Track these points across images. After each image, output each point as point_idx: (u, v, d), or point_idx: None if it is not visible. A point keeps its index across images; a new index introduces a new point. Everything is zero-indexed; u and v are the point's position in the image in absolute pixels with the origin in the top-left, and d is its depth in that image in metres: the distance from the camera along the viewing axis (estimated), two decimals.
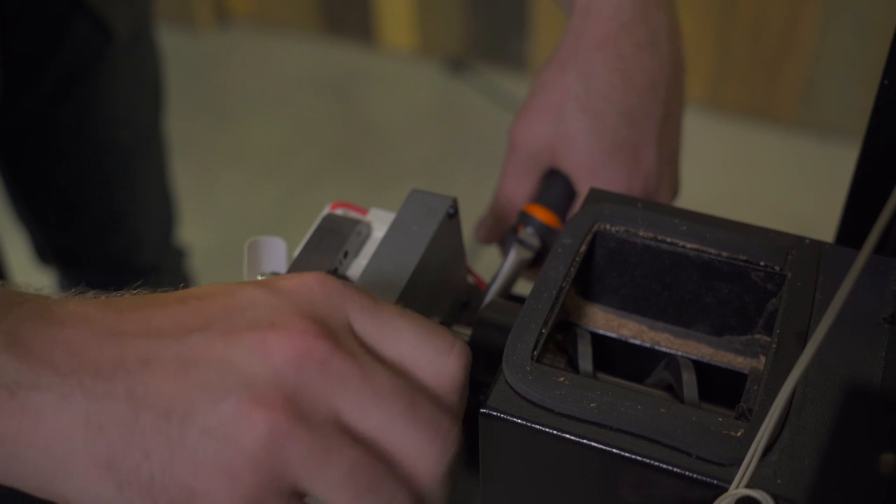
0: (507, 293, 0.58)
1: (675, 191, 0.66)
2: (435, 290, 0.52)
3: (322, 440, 0.35)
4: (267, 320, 0.36)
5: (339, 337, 0.36)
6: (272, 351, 0.35)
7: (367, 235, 0.53)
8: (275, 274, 0.50)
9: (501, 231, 0.66)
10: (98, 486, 0.34)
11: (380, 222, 0.53)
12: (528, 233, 0.60)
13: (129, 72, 1.06)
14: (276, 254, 0.51)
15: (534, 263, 0.61)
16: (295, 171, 2.17)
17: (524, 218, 0.61)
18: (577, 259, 0.47)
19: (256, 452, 0.34)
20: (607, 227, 0.49)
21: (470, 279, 0.58)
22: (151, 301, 0.37)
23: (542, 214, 0.61)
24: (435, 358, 0.38)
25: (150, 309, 0.36)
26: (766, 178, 2.11)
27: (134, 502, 0.34)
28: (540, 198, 0.62)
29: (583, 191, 0.62)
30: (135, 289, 0.39)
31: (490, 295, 0.57)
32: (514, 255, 0.59)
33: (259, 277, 0.50)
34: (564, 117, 0.61)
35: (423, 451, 0.36)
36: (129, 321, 0.36)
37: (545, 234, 0.60)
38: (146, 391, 0.34)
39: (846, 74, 2.07)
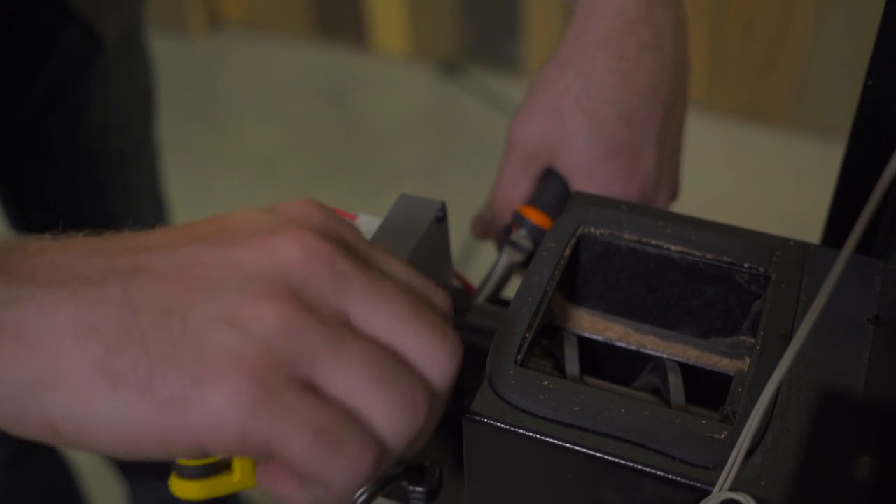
0: (497, 296, 0.58)
1: (674, 193, 0.65)
2: None
3: (335, 331, 0.34)
4: (268, 228, 0.35)
5: (341, 244, 0.36)
6: (277, 248, 0.34)
7: None
8: None
9: (497, 228, 0.66)
10: (89, 390, 0.32)
11: (368, 227, 0.53)
12: (521, 235, 0.60)
13: (121, 79, 1.05)
14: None
15: (526, 265, 0.60)
16: (288, 176, 2.17)
17: (518, 219, 0.61)
18: (562, 262, 0.47)
19: (268, 339, 0.32)
20: (592, 230, 0.49)
21: (457, 283, 0.58)
22: (137, 232, 0.36)
23: (535, 217, 0.60)
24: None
25: (138, 233, 0.35)
26: (760, 178, 2.11)
27: (129, 401, 0.32)
28: (535, 199, 0.62)
29: None
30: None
31: (479, 299, 0.57)
32: (504, 259, 0.59)
33: None
34: (563, 118, 0.60)
35: (434, 351, 0.36)
36: (115, 241, 0.35)
37: (538, 236, 0.60)
38: (143, 293, 0.33)
39: (839, 74, 2.08)
